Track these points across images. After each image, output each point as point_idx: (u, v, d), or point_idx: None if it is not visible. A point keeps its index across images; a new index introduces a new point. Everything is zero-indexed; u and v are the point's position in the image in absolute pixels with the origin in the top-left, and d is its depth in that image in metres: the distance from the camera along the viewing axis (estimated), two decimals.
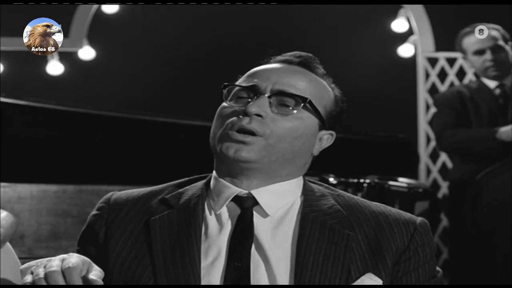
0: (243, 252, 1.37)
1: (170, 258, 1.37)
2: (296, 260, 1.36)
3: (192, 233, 1.39)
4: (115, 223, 1.44)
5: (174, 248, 1.38)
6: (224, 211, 1.42)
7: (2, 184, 2.68)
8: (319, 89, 1.48)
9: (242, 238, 1.38)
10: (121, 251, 1.41)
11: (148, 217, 1.43)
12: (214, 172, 1.48)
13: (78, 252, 1.44)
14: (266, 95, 1.42)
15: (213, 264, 1.37)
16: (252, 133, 1.40)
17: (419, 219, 1.46)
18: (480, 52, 3.85)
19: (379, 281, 1.37)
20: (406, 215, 1.46)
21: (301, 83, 1.45)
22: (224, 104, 1.46)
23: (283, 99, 1.43)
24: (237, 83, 1.49)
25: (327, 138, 1.50)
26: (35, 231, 2.66)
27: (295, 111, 1.43)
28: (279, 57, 1.52)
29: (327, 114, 1.48)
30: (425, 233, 1.44)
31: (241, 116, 1.41)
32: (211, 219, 1.43)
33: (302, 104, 1.43)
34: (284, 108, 1.43)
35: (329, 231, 1.40)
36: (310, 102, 1.44)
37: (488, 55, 3.83)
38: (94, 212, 1.49)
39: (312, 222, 1.40)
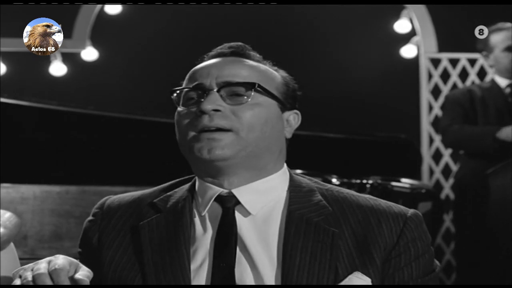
0: (227, 253, 1.36)
1: (160, 263, 1.37)
2: (283, 260, 1.34)
3: (181, 237, 1.39)
4: (108, 229, 1.45)
5: (163, 253, 1.38)
6: (208, 213, 1.41)
7: (5, 185, 2.68)
8: (263, 73, 1.46)
9: (225, 238, 1.37)
10: (114, 257, 1.42)
11: (138, 222, 1.43)
12: None
13: (79, 255, 1.47)
14: (215, 90, 1.41)
15: (201, 266, 1.37)
16: (218, 129, 1.38)
17: (410, 212, 1.41)
18: (510, 49, 3.81)
19: (367, 280, 1.34)
20: (396, 208, 1.41)
21: (243, 71, 1.44)
22: (178, 109, 1.45)
23: (233, 90, 1.41)
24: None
25: (294, 118, 1.48)
26: (38, 232, 2.66)
27: (249, 98, 1.40)
28: (212, 53, 1.52)
29: (282, 95, 1.46)
30: (416, 227, 1.39)
31: (199, 117, 1.39)
32: (197, 221, 1.42)
33: (253, 89, 1.41)
34: (237, 98, 1.41)
35: (315, 229, 1.37)
36: (260, 86, 1.41)
37: None
38: (89, 218, 1.50)
39: (297, 220, 1.38)
